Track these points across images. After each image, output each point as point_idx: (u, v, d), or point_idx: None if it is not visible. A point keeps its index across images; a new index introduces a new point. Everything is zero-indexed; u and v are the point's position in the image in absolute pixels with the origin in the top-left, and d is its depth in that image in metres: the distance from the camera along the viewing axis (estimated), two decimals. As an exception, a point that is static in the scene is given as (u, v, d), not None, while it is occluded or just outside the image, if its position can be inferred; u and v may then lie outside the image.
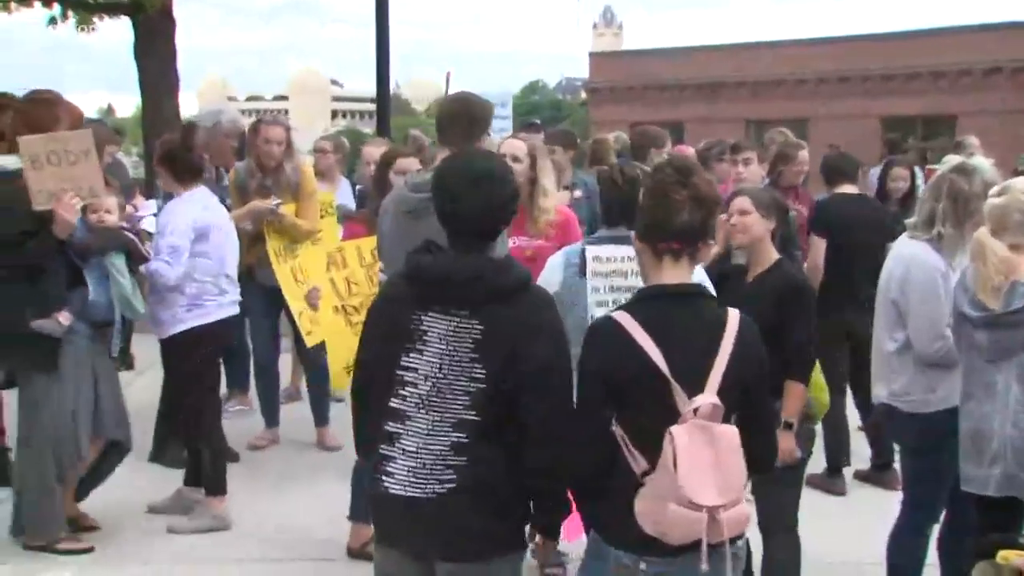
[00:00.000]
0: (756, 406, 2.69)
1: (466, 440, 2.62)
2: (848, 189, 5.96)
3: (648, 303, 2.65)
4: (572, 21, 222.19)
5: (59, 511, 4.71)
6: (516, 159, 4.63)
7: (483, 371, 2.61)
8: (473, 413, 2.62)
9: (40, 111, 4.58)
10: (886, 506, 4.38)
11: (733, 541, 2.56)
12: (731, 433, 2.55)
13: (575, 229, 4.82)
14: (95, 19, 10.91)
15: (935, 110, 27.00)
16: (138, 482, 5.37)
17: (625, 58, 37.97)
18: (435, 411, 2.64)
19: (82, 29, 10.88)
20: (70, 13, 10.78)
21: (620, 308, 2.71)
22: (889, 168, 7.20)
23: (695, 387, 2.54)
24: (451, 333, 2.62)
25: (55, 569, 4.57)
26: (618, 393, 2.59)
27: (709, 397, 2.53)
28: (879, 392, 4.11)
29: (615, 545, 2.66)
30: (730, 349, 2.59)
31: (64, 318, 4.49)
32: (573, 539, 4.30)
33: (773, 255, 3.99)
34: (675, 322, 2.61)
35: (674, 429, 2.48)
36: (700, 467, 2.48)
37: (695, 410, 2.51)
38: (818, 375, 4.03)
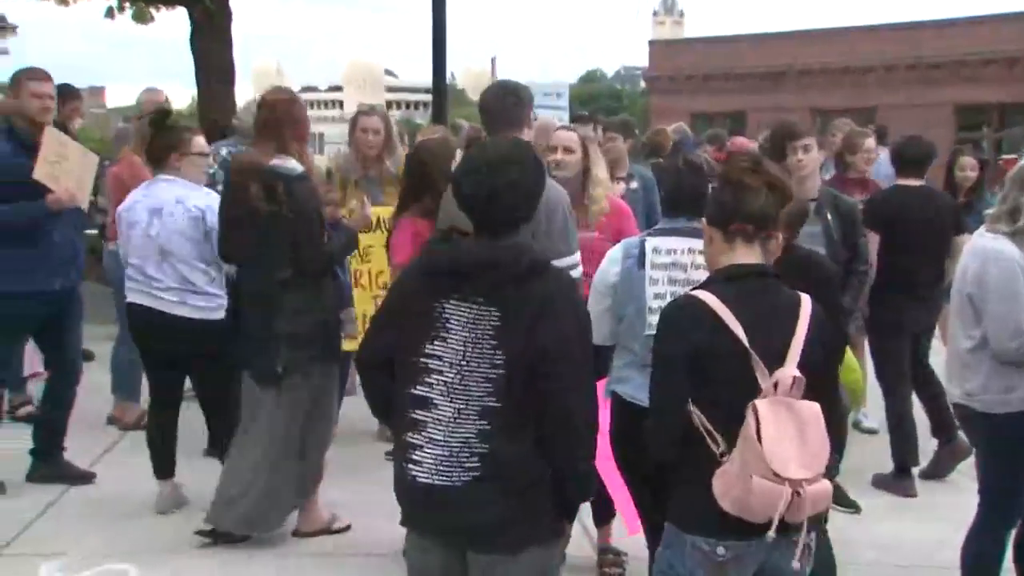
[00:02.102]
0: (823, 390, 2.70)
1: (489, 428, 2.61)
2: (911, 181, 5.74)
3: (725, 283, 2.70)
4: (631, 8, 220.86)
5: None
6: (568, 150, 4.58)
7: (502, 357, 2.59)
8: (494, 400, 2.60)
9: (299, 111, 4.75)
10: (961, 508, 4.22)
11: (808, 530, 2.62)
12: (813, 408, 2.60)
13: (630, 223, 4.73)
14: (152, 10, 10.99)
15: (1012, 98, 26.15)
16: (188, 475, 5.35)
17: (686, 46, 37.54)
18: (460, 399, 2.63)
19: (140, 20, 10.97)
20: (127, 4, 10.87)
21: (696, 288, 2.75)
22: (956, 158, 6.96)
23: (775, 363, 2.61)
24: (471, 321, 2.63)
25: (114, 561, 4.57)
26: (701, 370, 2.64)
27: (790, 370, 2.59)
28: (953, 391, 3.97)
29: (691, 531, 2.69)
30: (806, 329, 2.67)
31: (347, 314, 4.63)
32: (633, 532, 4.20)
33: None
34: (753, 301, 2.68)
35: (757, 403, 2.55)
36: (783, 440, 2.53)
37: (775, 384, 2.57)
38: (849, 357, 3.90)
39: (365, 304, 5.86)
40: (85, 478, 5.54)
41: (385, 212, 5.57)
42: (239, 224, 4.64)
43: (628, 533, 4.34)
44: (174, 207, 4.86)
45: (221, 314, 5.01)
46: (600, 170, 4.71)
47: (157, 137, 5.02)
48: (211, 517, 4.72)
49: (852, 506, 5.19)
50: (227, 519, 4.70)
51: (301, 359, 4.60)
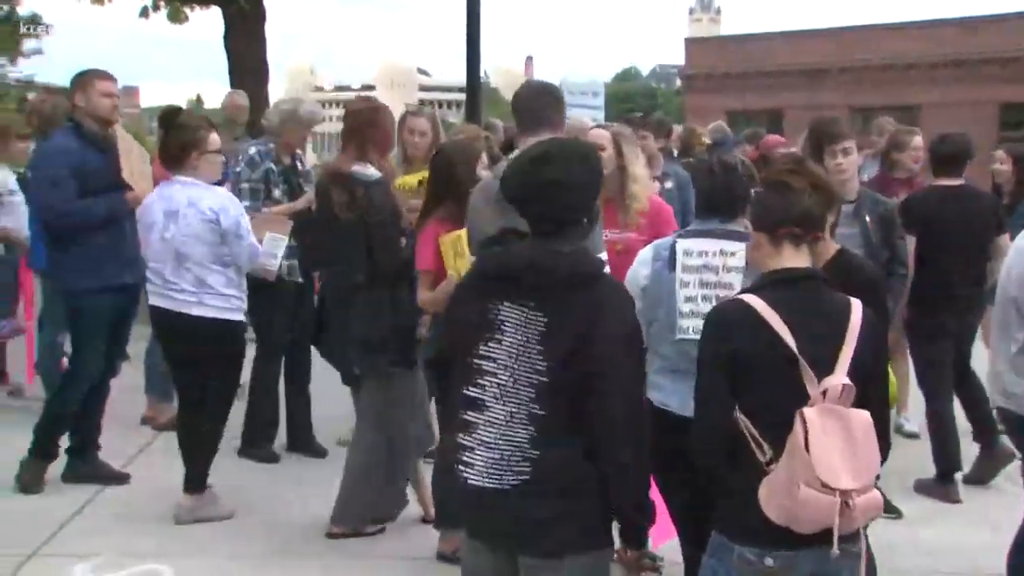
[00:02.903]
0: (872, 398, 2.64)
1: (537, 433, 2.59)
2: (948, 180, 5.60)
3: (773, 287, 2.65)
4: (667, 6, 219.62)
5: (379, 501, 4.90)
6: (599, 148, 4.48)
7: (544, 364, 2.57)
8: (537, 407, 2.59)
9: (380, 119, 4.89)
10: (1006, 514, 4.12)
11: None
12: (863, 416, 2.54)
13: (669, 221, 4.63)
14: (186, 10, 11.04)
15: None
16: (222, 475, 5.35)
17: (722, 43, 37.24)
18: (512, 402, 2.61)
19: (175, 20, 11.02)
20: (162, 4, 10.93)
21: (744, 291, 2.70)
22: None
23: (824, 370, 2.55)
24: (522, 324, 2.61)
25: (148, 562, 4.57)
26: (745, 375, 2.59)
27: (840, 378, 2.53)
28: (996, 396, 3.88)
29: (738, 541, 2.64)
30: (856, 335, 2.61)
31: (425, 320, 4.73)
32: (661, 542, 4.12)
33: (832, 247, 3.77)
34: (802, 305, 2.63)
35: (805, 410, 2.49)
36: (832, 449, 2.48)
37: (824, 392, 2.51)
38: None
39: None
40: (119, 478, 5.55)
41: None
42: (319, 228, 4.77)
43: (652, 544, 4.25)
44: (187, 210, 4.80)
45: (238, 315, 4.99)
46: (637, 167, 4.62)
47: (172, 136, 4.92)
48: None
49: (894, 511, 5.09)
50: (335, 516, 4.86)
51: (379, 363, 4.66)
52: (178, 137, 4.89)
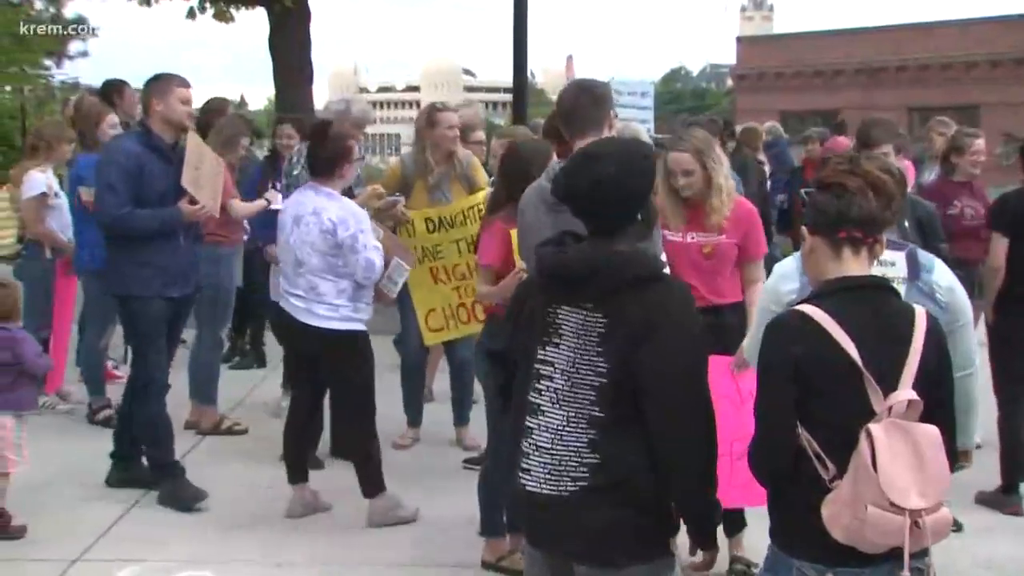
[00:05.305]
0: (938, 408, 2.54)
1: (597, 438, 2.56)
2: None
3: (833, 296, 2.56)
4: (718, 4, 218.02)
5: None
6: (688, 172, 4.36)
7: (605, 366, 2.55)
8: (597, 410, 2.56)
9: None
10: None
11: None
12: (931, 432, 2.45)
13: (751, 218, 4.51)
14: (232, 10, 11.09)
15: None
16: (266, 481, 5.32)
17: (776, 42, 36.92)
18: (569, 407, 2.59)
19: (221, 19, 11.07)
20: (208, 5, 10.99)
21: (803, 301, 2.60)
22: None
23: (889, 383, 2.47)
24: (581, 327, 2.59)
25: (191, 568, 4.55)
26: (808, 389, 2.50)
27: (906, 392, 2.45)
28: None
29: (798, 556, 2.57)
30: (921, 345, 2.51)
31: None
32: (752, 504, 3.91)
33: None
34: (864, 315, 2.53)
35: (871, 427, 2.41)
36: (900, 467, 2.40)
37: (890, 407, 2.43)
38: None
39: (448, 297, 5.92)
40: (164, 483, 5.54)
41: (445, 211, 5.80)
42: None
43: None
44: (311, 217, 4.84)
45: (348, 324, 4.92)
46: (719, 178, 4.51)
47: (325, 148, 4.95)
48: None
49: (954, 524, 4.91)
50: None
51: None
52: (332, 149, 4.95)
